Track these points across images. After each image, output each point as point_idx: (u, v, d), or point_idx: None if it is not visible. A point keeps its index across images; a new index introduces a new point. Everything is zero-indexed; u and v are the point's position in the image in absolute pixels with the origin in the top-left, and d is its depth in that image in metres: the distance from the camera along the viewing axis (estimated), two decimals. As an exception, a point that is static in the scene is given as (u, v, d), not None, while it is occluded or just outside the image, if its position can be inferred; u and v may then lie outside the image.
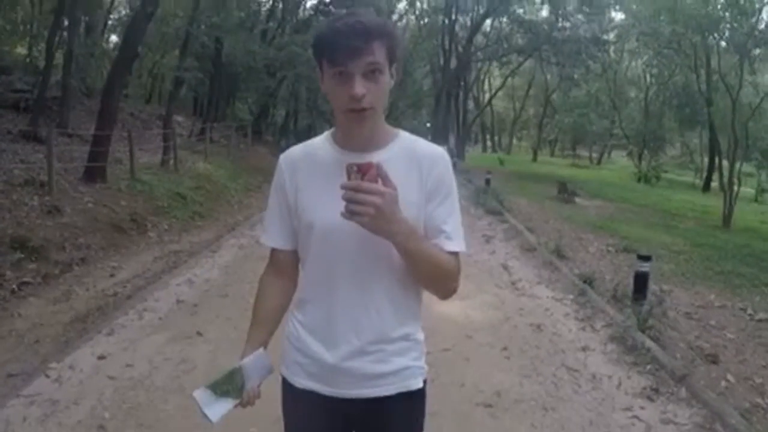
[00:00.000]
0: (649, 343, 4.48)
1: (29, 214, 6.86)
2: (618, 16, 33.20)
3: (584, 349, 4.55)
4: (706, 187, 24.88)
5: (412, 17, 35.35)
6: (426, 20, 33.61)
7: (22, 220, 6.63)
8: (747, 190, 18.14)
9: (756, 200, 20.62)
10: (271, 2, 25.41)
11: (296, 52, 18.55)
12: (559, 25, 26.82)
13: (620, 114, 32.60)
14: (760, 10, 15.75)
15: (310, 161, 1.41)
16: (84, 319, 4.86)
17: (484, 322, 5.11)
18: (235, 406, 1.39)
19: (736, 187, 12.98)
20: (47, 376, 3.65)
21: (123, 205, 8.48)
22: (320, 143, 1.44)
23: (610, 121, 33.36)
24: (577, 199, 15.11)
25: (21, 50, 18.51)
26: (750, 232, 12.20)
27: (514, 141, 52.68)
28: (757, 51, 17.58)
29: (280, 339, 1.51)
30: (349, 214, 1.18)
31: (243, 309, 4.64)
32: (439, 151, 1.40)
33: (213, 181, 12.84)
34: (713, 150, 24.53)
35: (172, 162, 12.36)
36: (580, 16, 27.65)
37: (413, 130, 1.50)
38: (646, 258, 5.58)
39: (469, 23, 30.41)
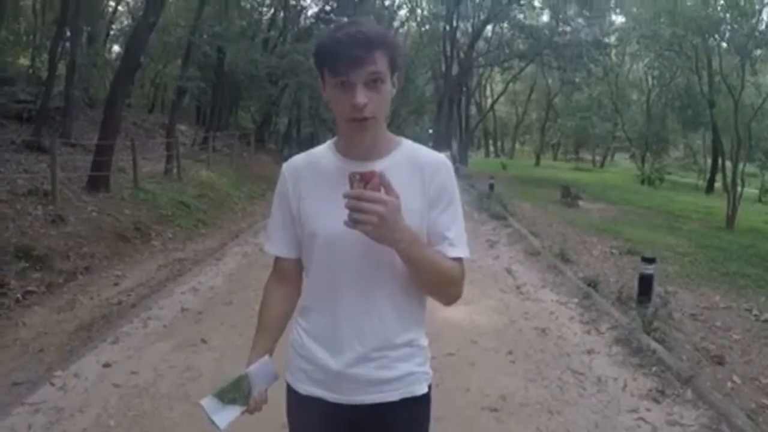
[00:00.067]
0: (654, 345, 4.47)
1: (33, 223, 6.89)
2: (618, 19, 33.36)
3: (589, 352, 4.54)
4: (710, 188, 24.82)
5: (414, 24, 35.41)
6: (427, 27, 33.65)
7: (26, 229, 6.65)
8: (750, 190, 18.11)
9: (760, 200, 20.58)
10: (272, 11, 25.56)
11: (298, 61, 18.61)
12: (560, 29, 26.87)
13: (622, 117, 32.56)
14: (760, 11, 15.74)
15: (313, 170, 1.42)
16: (89, 328, 4.88)
17: (488, 326, 5.11)
18: (243, 413, 1.39)
19: (739, 188, 12.94)
20: (52, 384, 3.66)
21: (127, 214, 8.51)
22: (323, 152, 1.45)
23: (613, 124, 33.30)
24: (580, 203, 15.09)
25: (24, 61, 18.62)
26: (754, 233, 12.16)
27: (517, 145, 52.63)
28: (758, 52, 17.57)
29: (285, 346, 1.52)
30: (352, 222, 1.18)
31: (248, 316, 4.64)
32: (442, 159, 1.41)
33: (216, 189, 12.87)
34: (716, 151, 24.47)
35: (175, 171, 12.40)
36: (580, 20, 27.73)
37: (416, 137, 1.51)
38: (650, 260, 5.58)
39: (470, 29, 30.42)
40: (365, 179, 1.19)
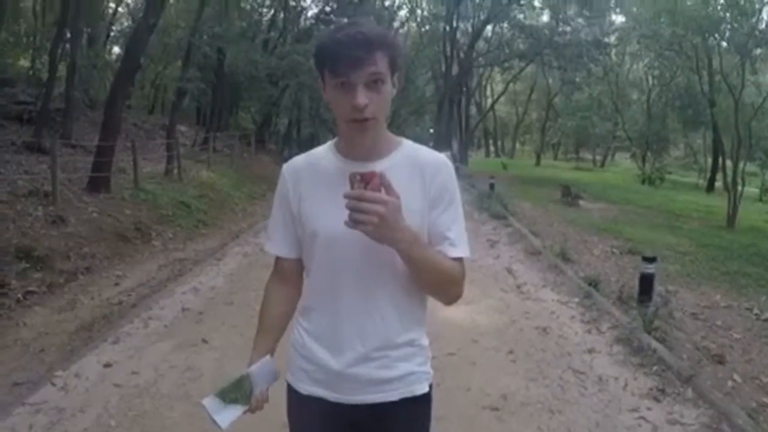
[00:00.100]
0: (655, 344, 4.48)
1: (34, 224, 6.90)
2: (618, 19, 33.34)
3: (590, 351, 4.54)
4: (710, 187, 24.83)
5: (414, 24, 35.46)
6: (427, 27, 33.67)
7: (27, 230, 6.66)
8: (751, 189, 18.12)
9: (760, 199, 20.58)
10: (272, 12, 25.57)
11: (298, 61, 18.62)
12: (560, 29, 26.89)
13: (623, 116, 32.56)
14: (760, 11, 15.75)
15: (314, 171, 1.42)
16: (89, 328, 4.88)
17: (489, 326, 5.11)
18: (244, 413, 1.40)
19: (740, 187, 12.94)
20: (53, 385, 3.66)
21: (127, 215, 8.52)
22: (323, 153, 1.45)
23: (613, 123, 33.30)
24: (581, 202, 15.09)
25: (24, 62, 18.66)
26: (755, 232, 12.16)
27: (517, 145, 52.64)
28: (758, 51, 17.57)
29: (286, 346, 1.52)
30: (353, 222, 1.19)
31: (248, 316, 4.65)
32: (442, 159, 1.42)
33: (217, 189, 12.88)
34: (717, 150, 24.47)
35: (175, 171, 12.41)
36: (580, 20, 27.71)
37: (416, 137, 1.51)
38: (651, 259, 5.58)
39: (470, 29, 30.43)
40: (366, 180, 1.20)
